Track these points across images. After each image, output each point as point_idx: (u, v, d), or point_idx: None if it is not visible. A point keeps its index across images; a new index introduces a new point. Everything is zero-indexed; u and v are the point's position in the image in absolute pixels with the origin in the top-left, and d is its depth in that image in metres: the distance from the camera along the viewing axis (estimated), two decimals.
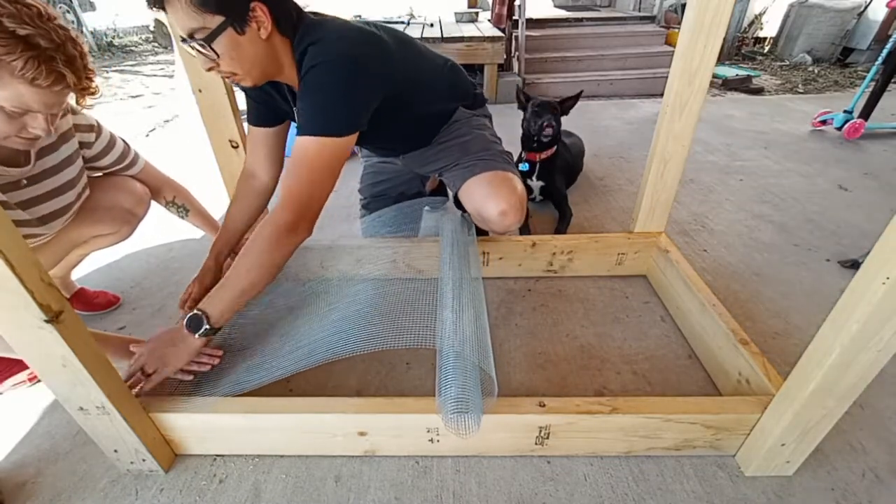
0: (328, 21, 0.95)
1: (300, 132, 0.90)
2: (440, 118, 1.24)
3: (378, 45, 0.95)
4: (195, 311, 0.86)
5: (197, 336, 0.87)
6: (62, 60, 0.76)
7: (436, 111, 1.22)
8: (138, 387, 0.85)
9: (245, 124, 1.19)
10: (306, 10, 0.97)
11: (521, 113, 1.77)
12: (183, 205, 1.23)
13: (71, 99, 0.86)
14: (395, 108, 1.03)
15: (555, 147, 1.72)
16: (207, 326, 0.86)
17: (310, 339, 0.98)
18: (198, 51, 0.84)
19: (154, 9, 0.81)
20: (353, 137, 0.93)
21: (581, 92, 1.75)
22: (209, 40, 0.82)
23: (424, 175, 1.43)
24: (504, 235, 1.44)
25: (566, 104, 1.70)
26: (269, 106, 1.09)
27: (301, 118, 0.91)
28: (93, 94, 0.85)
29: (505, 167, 1.21)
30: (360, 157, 1.57)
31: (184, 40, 0.83)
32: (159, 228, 1.74)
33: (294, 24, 0.91)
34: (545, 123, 1.61)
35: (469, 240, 1.26)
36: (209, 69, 0.88)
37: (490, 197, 1.14)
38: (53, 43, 0.75)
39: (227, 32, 0.82)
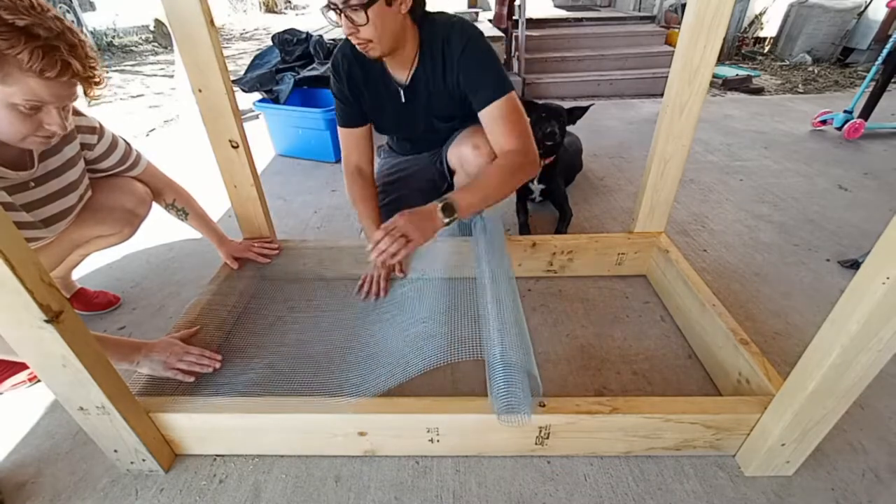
0: (445, 13, 1.13)
1: (494, 96, 1.07)
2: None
3: None
4: (448, 199, 1.00)
5: (446, 221, 0.99)
6: (66, 49, 0.76)
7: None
8: (397, 257, 0.93)
9: (245, 124, 1.19)
10: None
11: None
12: (183, 208, 1.23)
13: (80, 93, 0.85)
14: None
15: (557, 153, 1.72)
16: (457, 215, 1.00)
17: (329, 378, 0.97)
18: (346, 16, 0.96)
19: None
20: None
21: (591, 105, 1.75)
22: (366, 6, 0.95)
23: (436, 164, 1.45)
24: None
25: (574, 113, 1.68)
26: (354, 106, 1.24)
27: (485, 85, 1.08)
28: (98, 83, 0.84)
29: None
30: (377, 158, 1.60)
31: (333, 7, 0.96)
32: (159, 228, 1.74)
33: (422, 12, 1.08)
34: (549, 130, 1.61)
35: (501, 240, 1.25)
36: (350, 33, 1.01)
37: (465, 137, 1.22)
38: (53, 32, 0.74)
39: (380, 3, 0.96)
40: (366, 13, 0.95)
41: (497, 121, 1.08)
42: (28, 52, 0.71)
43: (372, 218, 1.27)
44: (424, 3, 1.08)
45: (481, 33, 1.10)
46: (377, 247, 0.93)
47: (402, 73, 1.17)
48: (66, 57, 0.75)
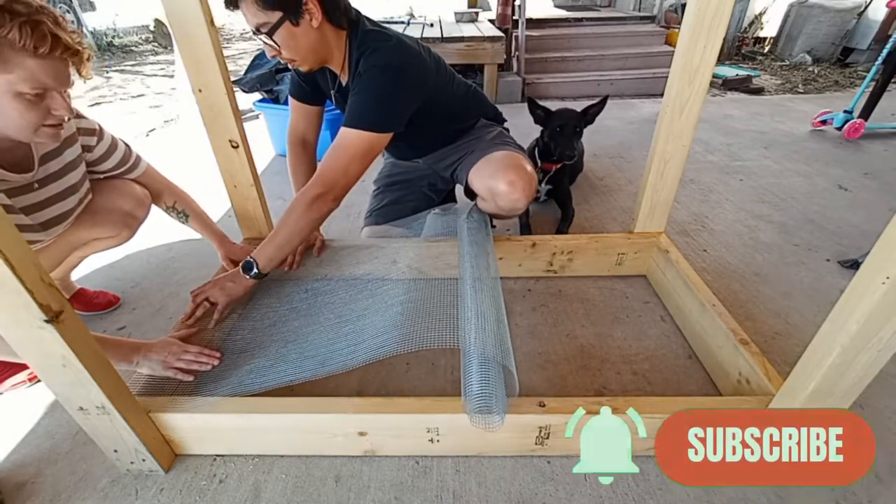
0: (383, 31, 1.10)
1: (346, 123, 1.04)
2: (463, 127, 1.36)
3: (422, 61, 1.11)
4: (249, 258, 1.06)
5: (248, 277, 1.06)
6: (50, 21, 0.75)
7: (459, 118, 1.34)
8: (212, 321, 1.06)
9: (245, 124, 1.19)
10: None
11: (521, 110, 1.76)
12: (183, 210, 1.22)
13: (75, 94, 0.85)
14: (427, 115, 1.16)
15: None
16: (256, 270, 1.06)
17: (317, 351, 0.98)
18: (263, 41, 1.00)
19: (230, 8, 0.98)
20: (389, 136, 1.07)
21: (606, 98, 1.65)
22: (271, 33, 0.97)
23: (440, 171, 1.45)
24: (510, 219, 1.47)
25: (591, 111, 1.63)
26: (310, 84, 1.24)
27: (350, 111, 1.05)
28: (89, 58, 0.83)
29: (516, 151, 1.28)
30: (382, 157, 1.61)
31: (254, 33, 0.99)
32: (159, 229, 1.74)
33: (346, 17, 1.06)
34: (568, 153, 1.56)
35: (487, 239, 1.26)
36: (273, 56, 1.04)
37: (499, 171, 1.20)
38: (31, 7, 0.73)
39: (285, 25, 0.97)
40: (272, 39, 0.98)
41: (334, 145, 1.05)
42: (17, 30, 0.71)
43: None
44: (346, 11, 1.06)
45: (390, 65, 1.03)
46: (191, 316, 1.05)
47: (340, 77, 1.17)
48: (53, 30, 0.75)
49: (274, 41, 0.99)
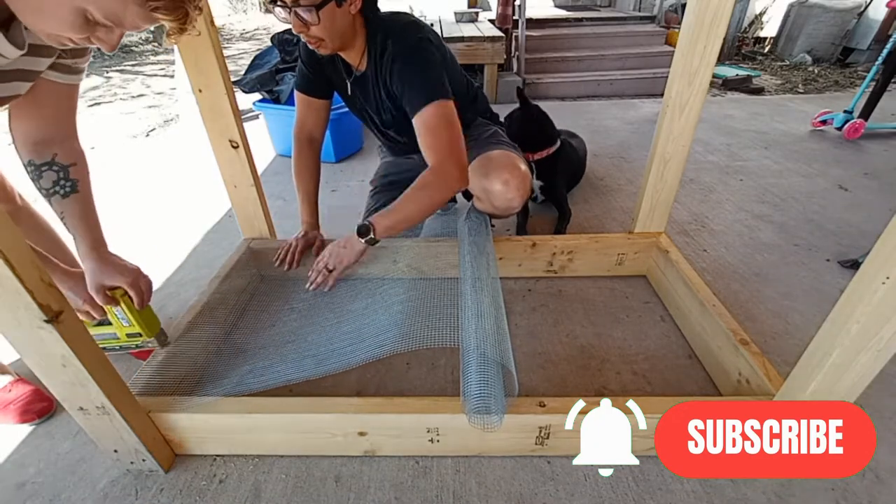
0: (396, 14, 1.11)
1: (421, 102, 1.02)
2: (462, 124, 1.34)
3: (437, 35, 1.12)
4: (366, 221, 1.05)
5: (363, 241, 1.06)
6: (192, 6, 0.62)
7: (459, 114, 1.31)
8: (327, 285, 1.14)
9: (245, 124, 1.19)
10: None
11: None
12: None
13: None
14: None
15: (552, 147, 1.71)
16: (372, 235, 1.05)
17: (317, 350, 0.98)
18: (296, 14, 0.95)
19: None
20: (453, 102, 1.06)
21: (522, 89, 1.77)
22: (318, 8, 0.94)
23: None
24: (507, 217, 1.46)
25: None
26: (319, 76, 1.22)
27: (412, 93, 1.04)
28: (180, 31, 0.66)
29: (511, 150, 1.28)
30: (379, 157, 1.61)
31: (281, 4, 0.93)
32: (159, 228, 1.74)
33: (373, 10, 1.07)
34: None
35: (487, 239, 1.26)
36: (299, 31, 0.99)
37: (494, 170, 1.19)
38: None
39: (331, 4, 0.96)
40: (317, 14, 0.95)
41: (420, 132, 1.04)
42: None
43: (308, 194, 1.32)
44: (374, 5, 1.07)
45: (422, 38, 1.05)
46: (312, 283, 1.14)
47: (356, 67, 1.16)
48: (187, 6, 0.62)
49: (309, 17, 0.95)
